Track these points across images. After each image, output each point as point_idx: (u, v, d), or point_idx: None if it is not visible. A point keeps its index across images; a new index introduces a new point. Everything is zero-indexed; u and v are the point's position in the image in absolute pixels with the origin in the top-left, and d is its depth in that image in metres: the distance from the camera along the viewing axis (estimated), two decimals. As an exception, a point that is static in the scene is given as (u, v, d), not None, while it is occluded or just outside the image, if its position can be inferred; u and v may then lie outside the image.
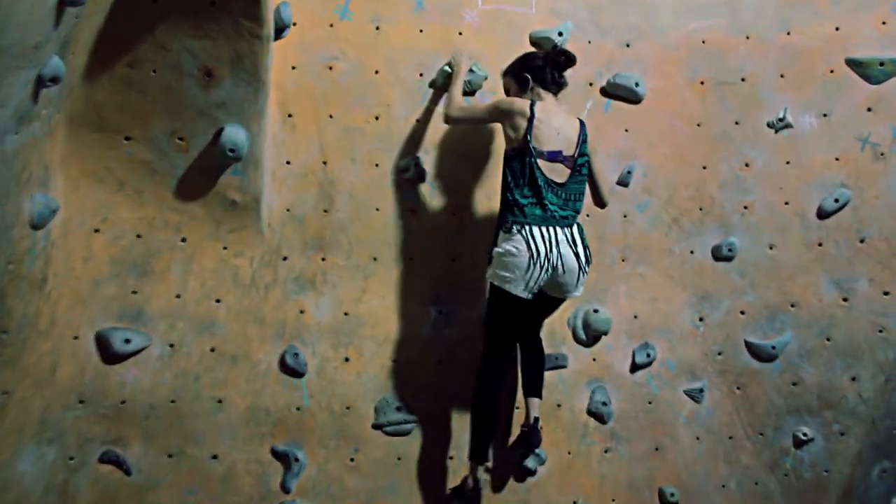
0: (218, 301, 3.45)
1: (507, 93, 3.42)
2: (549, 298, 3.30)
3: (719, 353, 3.81)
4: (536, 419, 3.39)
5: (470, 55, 3.65)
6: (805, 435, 3.70)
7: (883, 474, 3.72)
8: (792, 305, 3.75)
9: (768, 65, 3.79)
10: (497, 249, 3.18)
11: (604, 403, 3.67)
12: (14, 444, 3.04)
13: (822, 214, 3.72)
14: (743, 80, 3.81)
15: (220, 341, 3.42)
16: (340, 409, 3.49)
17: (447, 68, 3.62)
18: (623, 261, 3.84)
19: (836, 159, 3.71)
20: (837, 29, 3.70)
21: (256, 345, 3.47)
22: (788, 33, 3.77)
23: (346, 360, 3.54)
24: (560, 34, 3.74)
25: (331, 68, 3.60)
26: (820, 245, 3.73)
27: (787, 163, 3.77)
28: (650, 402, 3.75)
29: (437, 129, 3.67)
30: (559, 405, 3.67)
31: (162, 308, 3.37)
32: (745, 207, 3.81)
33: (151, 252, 3.38)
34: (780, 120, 3.76)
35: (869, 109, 3.66)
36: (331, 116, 3.60)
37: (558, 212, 3.19)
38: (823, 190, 3.73)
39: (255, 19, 3.04)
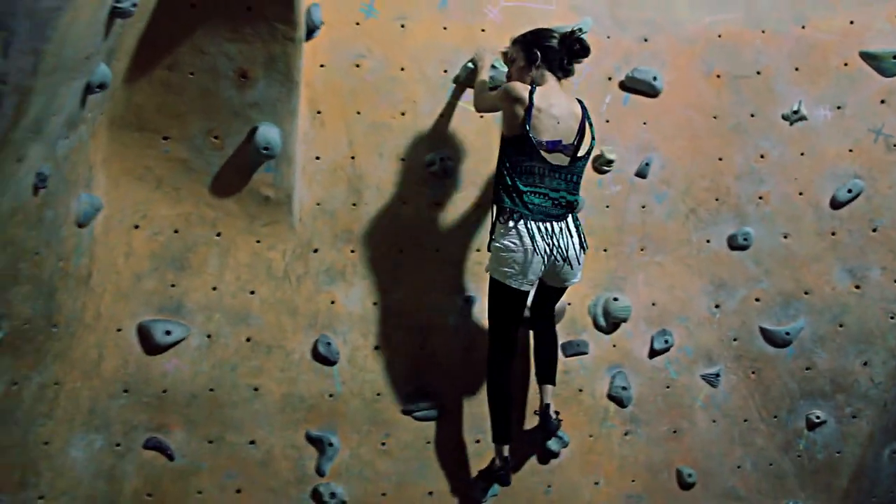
0: (252, 293, 3.58)
1: (511, 63, 3.38)
2: (550, 287, 3.43)
3: (735, 339, 3.94)
4: (548, 405, 3.52)
5: (492, 51, 3.74)
6: (818, 418, 3.84)
7: (893, 455, 3.88)
8: (805, 293, 3.87)
9: (783, 58, 3.88)
10: (496, 244, 3.26)
11: (623, 388, 3.81)
12: (66, 433, 3.20)
13: (836, 204, 3.83)
14: (758, 73, 3.91)
15: (256, 331, 3.56)
16: (371, 395, 3.64)
17: (470, 64, 3.71)
18: (642, 250, 3.96)
19: (850, 151, 3.81)
20: (851, 23, 3.79)
21: (290, 335, 3.60)
22: (803, 27, 3.86)
23: (376, 348, 3.68)
24: (580, 30, 3.82)
25: (358, 66, 3.70)
26: (833, 234, 3.84)
27: (802, 154, 3.87)
28: (668, 387, 3.89)
29: (461, 123, 3.78)
30: (580, 390, 3.81)
31: (199, 300, 3.51)
32: (760, 198, 3.92)
33: (188, 247, 3.51)
34: (795, 112, 3.86)
35: (882, 102, 3.77)
36: (358, 113, 3.70)
37: (559, 199, 3.24)
38: (837, 180, 3.83)
39: (289, 22, 3.14)
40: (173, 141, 3.38)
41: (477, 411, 3.68)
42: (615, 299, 3.86)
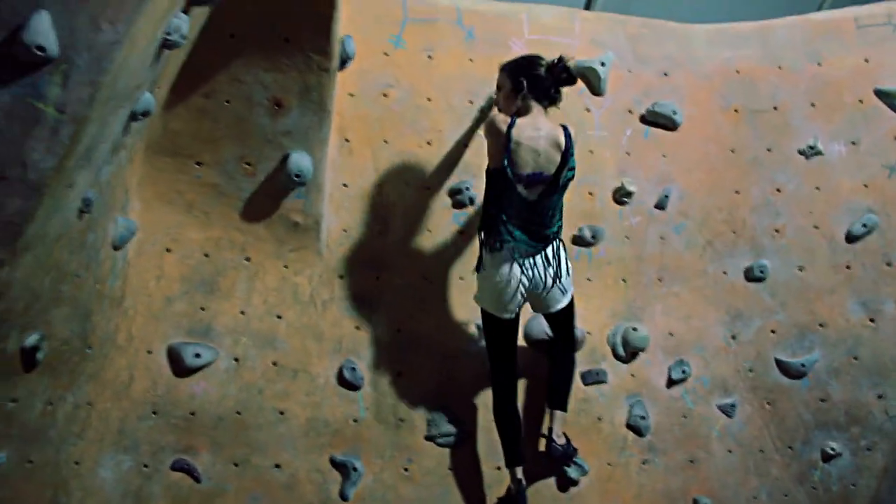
0: (279, 317, 3.63)
1: (499, 89, 3.41)
2: (550, 313, 3.52)
3: (750, 370, 4.00)
4: (550, 430, 3.59)
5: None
6: (833, 449, 3.89)
7: (906, 487, 3.91)
8: (820, 325, 3.94)
9: (799, 94, 3.98)
10: (480, 273, 3.39)
11: (642, 417, 3.86)
12: (96, 453, 3.24)
13: (850, 238, 3.91)
14: (775, 108, 4.00)
15: (282, 355, 3.61)
16: (394, 420, 3.68)
17: (491, 96, 3.80)
18: (660, 280, 4.03)
19: (865, 186, 3.90)
20: (866, 60, 3.90)
21: (315, 359, 3.65)
22: (819, 64, 3.96)
23: (399, 374, 3.73)
24: (602, 64, 3.93)
25: (386, 95, 3.78)
26: (848, 268, 3.92)
27: (817, 188, 3.96)
28: (685, 416, 3.94)
29: (483, 152, 3.85)
30: (599, 418, 3.86)
31: (228, 324, 3.56)
32: (776, 231, 4.00)
33: (218, 270, 3.57)
34: (811, 147, 3.95)
35: (896, 138, 3.86)
36: (385, 141, 3.78)
37: (536, 232, 3.31)
38: (851, 215, 3.92)
39: (325, 54, 3.23)
40: (206, 166, 3.44)
41: (496, 439, 3.70)
42: (634, 329, 3.92)
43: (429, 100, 3.81)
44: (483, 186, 3.43)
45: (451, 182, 3.82)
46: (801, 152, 3.97)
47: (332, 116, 3.45)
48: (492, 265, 3.33)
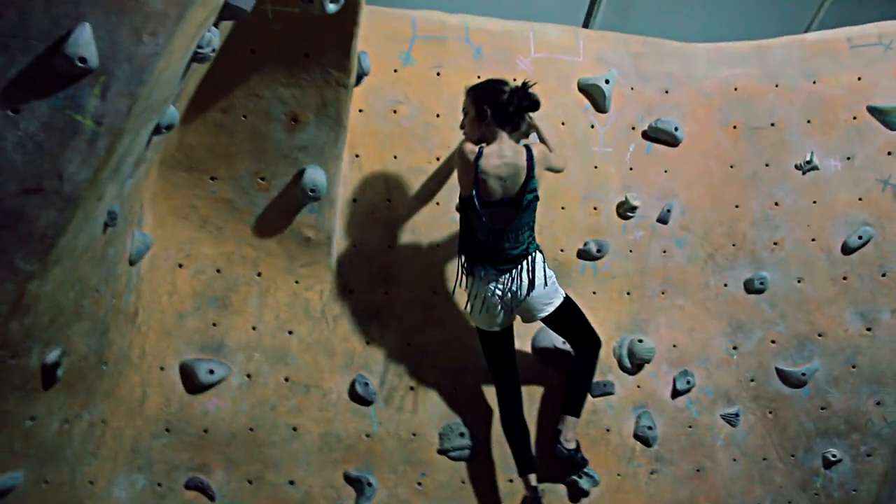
0: (291, 333, 3.62)
1: (465, 114, 3.44)
2: (544, 320, 3.57)
3: (752, 380, 4.08)
4: (558, 432, 3.64)
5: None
6: (834, 456, 3.97)
7: (905, 492, 4.01)
8: (819, 335, 4.03)
9: (795, 111, 4.10)
10: (468, 297, 3.49)
11: (649, 428, 3.91)
12: (110, 472, 3.18)
13: (847, 250, 4.02)
14: (772, 124, 4.12)
15: (294, 371, 3.59)
16: (407, 435, 3.67)
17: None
18: (663, 293, 4.10)
19: (860, 199, 4.02)
20: (859, 79, 4.03)
21: (327, 375, 3.64)
22: (814, 82, 4.09)
23: (411, 388, 3.73)
24: (607, 81, 4.01)
25: (395, 111, 3.81)
26: (845, 279, 4.02)
27: (814, 202, 4.07)
28: (690, 427, 4.00)
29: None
30: (608, 430, 3.90)
31: (240, 340, 3.53)
32: (775, 244, 4.10)
33: (230, 286, 3.55)
34: (808, 162, 4.07)
35: (889, 154, 3.99)
36: (395, 157, 3.81)
37: (506, 255, 3.38)
38: (848, 228, 4.03)
39: (344, 70, 3.25)
40: (220, 181, 3.44)
41: (508, 451, 3.72)
42: (640, 341, 3.97)
43: (438, 116, 3.85)
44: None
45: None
46: (797, 167, 4.08)
47: (346, 132, 3.47)
48: (471, 285, 3.47)
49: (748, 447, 4.03)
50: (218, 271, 3.53)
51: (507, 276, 3.41)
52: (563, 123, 4.02)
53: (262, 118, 3.32)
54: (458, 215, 3.80)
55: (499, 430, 3.73)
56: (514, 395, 3.60)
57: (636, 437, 3.92)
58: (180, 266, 3.46)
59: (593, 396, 3.89)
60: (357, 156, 3.75)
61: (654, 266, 4.10)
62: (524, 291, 3.42)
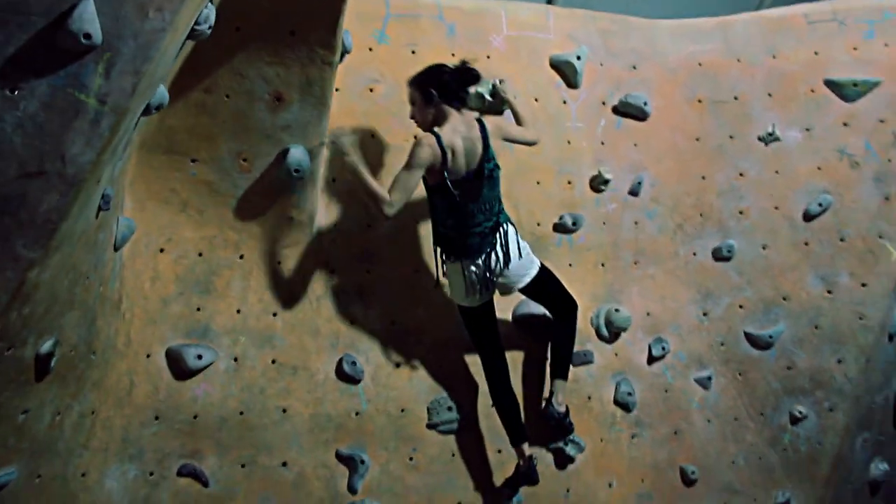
0: (275, 315, 3.59)
1: (412, 104, 3.47)
2: (524, 291, 3.65)
3: (722, 344, 4.24)
4: (551, 394, 3.73)
5: (500, 77, 3.91)
6: (800, 413, 4.17)
7: (864, 443, 4.26)
8: (784, 299, 4.22)
9: (757, 85, 4.25)
10: (446, 276, 3.60)
11: (629, 394, 4.03)
12: (101, 463, 3.10)
13: (808, 217, 4.21)
14: (735, 98, 4.26)
15: (280, 353, 3.56)
16: (396, 412, 3.69)
17: (480, 90, 3.86)
18: (635, 264, 4.22)
19: (819, 169, 4.20)
20: (816, 53, 4.20)
21: (314, 355, 3.62)
22: (774, 57, 4.25)
23: (397, 365, 3.75)
24: (578, 58, 4.08)
25: (371, 90, 3.80)
26: (806, 244, 4.21)
27: (776, 172, 4.24)
28: (666, 391, 4.14)
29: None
30: (589, 397, 4.00)
31: (225, 324, 3.48)
32: (741, 213, 4.26)
33: (212, 270, 3.48)
34: (770, 134, 4.23)
35: (845, 124, 4.18)
36: (372, 136, 3.79)
37: (483, 231, 3.45)
38: (808, 196, 4.21)
39: (329, 47, 3.21)
40: (201, 163, 3.36)
41: (496, 423, 3.79)
42: (616, 310, 4.08)
43: (413, 94, 3.84)
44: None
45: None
46: (760, 139, 4.24)
47: (329, 111, 3.43)
48: (451, 271, 3.55)
49: (720, 408, 4.20)
50: (200, 255, 3.46)
51: (485, 254, 3.46)
52: (536, 100, 4.07)
53: (245, 98, 3.25)
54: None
55: (485, 403, 3.79)
56: (501, 367, 3.66)
57: (616, 403, 4.04)
58: (162, 251, 3.38)
59: (574, 366, 3.97)
60: (335, 134, 3.72)
61: (626, 237, 4.21)
62: (501, 265, 3.48)
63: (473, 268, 3.47)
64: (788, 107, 4.23)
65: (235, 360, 3.47)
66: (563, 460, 3.87)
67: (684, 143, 4.27)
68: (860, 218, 4.16)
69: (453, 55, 3.90)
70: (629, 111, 4.19)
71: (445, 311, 3.84)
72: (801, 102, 4.22)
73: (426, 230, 3.84)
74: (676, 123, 4.26)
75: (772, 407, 4.21)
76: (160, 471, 3.27)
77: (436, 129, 3.34)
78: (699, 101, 4.27)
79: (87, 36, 2.09)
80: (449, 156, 3.30)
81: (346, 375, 3.63)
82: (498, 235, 3.50)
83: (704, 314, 4.26)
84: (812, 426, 4.19)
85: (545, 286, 3.69)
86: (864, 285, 4.14)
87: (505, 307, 3.90)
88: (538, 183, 4.05)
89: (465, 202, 3.38)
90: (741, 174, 4.26)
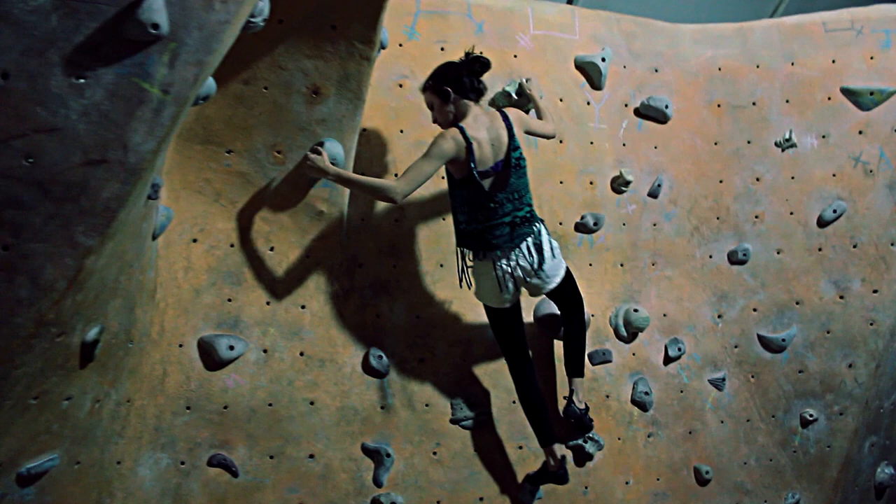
0: (303, 307, 3.61)
1: (431, 108, 3.47)
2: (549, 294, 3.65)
3: (736, 346, 4.31)
4: (570, 392, 3.77)
5: (526, 76, 3.97)
6: (810, 415, 4.25)
7: (871, 447, 4.35)
8: (797, 303, 4.29)
9: (775, 91, 4.32)
10: (475, 277, 3.53)
11: (646, 393, 4.09)
12: (135, 451, 3.12)
13: (822, 223, 4.28)
14: (753, 103, 4.33)
15: (308, 346, 3.58)
16: (420, 406, 3.73)
17: (507, 88, 3.91)
18: (653, 265, 4.28)
19: (833, 175, 4.28)
20: (833, 62, 4.27)
21: (341, 348, 3.65)
22: (792, 63, 4.31)
23: (422, 360, 3.78)
24: (603, 59, 4.13)
25: (401, 86, 3.82)
26: (820, 250, 4.29)
27: (792, 178, 4.31)
28: (682, 391, 4.21)
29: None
30: (608, 396, 4.05)
31: (255, 315, 3.50)
32: (756, 217, 4.33)
33: (243, 261, 3.50)
34: (787, 140, 4.30)
35: (860, 132, 4.25)
36: (401, 131, 3.82)
37: (513, 221, 3.40)
38: (823, 202, 4.29)
39: (369, 42, 3.24)
40: (236, 154, 3.37)
41: (517, 418, 3.83)
42: (635, 310, 4.14)
43: (442, 91, 3.87)
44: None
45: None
46: (777, 144, 4.31)
47: (364, 105, 3.45)
48: (481, 270, 3.48)
49: (733, 409, 4.27)
50: (231, 246, 3.47)
51: (518, 251, 3.45)
52: (560, 100, 4.12)
53: (283, 90, 3.27)
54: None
55: (507, 399, 3.84)
56: (528, 368, 3.66)
57: (633, 402, 4.10)
58: (195, 241, 3.39)
59: (593, 365, 4.04)
60: (364, 130, 3.74)
61: (644, 238, 4.27)
62: (536, 265, 3.46)
63: (504, 264, 3.43)
64: (805, 113, 4.30)
65: (265, 351, 3.49)
66: (582, 458, 3.92)
67: (703, 147, 4.33)
68: (873, 225, 4.23)
69: (481, 53, 3.93)
70: (650, 113, 4.25)
71: (468, 308, 3.88)
72: (817, 109, 4.29)
73: (450, 227, 3.86)
74: (696, 127, 4.32)
75: (783, 409, 4.29)
76: (191, 460, 3.28)
77: (459, 123, 3.34)
78: (718, 105, 4.33)
79: (155, 26, 2.11)
80: (474, 146, 3.29)
81: (373, 369, 3.66)
82: (532, 235, 3.46)
83: (719, 316, 4.33)
84: (822, 429, 4.27)
85: (567, 288, 3.71)
86: (875, 291, 4.22)
87: (525, 306, 3.93)
88: (561, 182, 4.10)
89: (494, 192, 3.36)
90: (757, 179, 4.33)
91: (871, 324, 4.22)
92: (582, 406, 3.79)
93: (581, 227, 4.13)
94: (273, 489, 3.41)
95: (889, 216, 4.22)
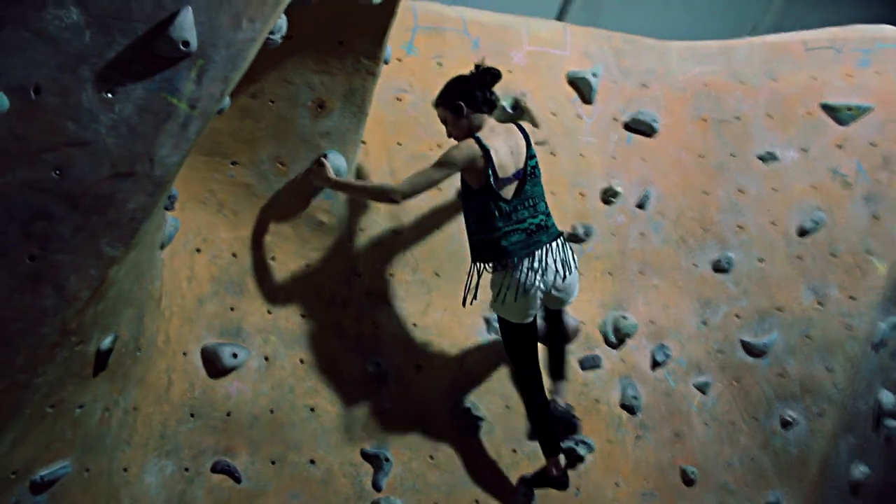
0: (303, 316, 3.67)
1: (445, 123, 3.48)
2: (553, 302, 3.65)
3: (720, 352, 4.46)
4: (554, 394, 3.83)
5: (518, 91, 4.08)
6: (791, 418, 4.41)
7: (848, 447, 4.51)
8: (778, 309, 4.46)
9: (758, 106, 4.49)
10: (495, 290, 3.43)
11: (634, 397, 4.21)
12: (141, 459, 3.15)
13: (802, 233, 4.45)
14: (737, 118, 4.49)
15: (308, 353, 3.65)
16: (418, 412, 3.81)
17: (503, 103, 4.01)
18: (641, 273, 4.41)
19: (813, 187, 4.46)
20: (814, 79, 4.45)
21: (340, 356, 3.71)
22: (774, 80, 4.49)
23: (419, 367, 3.86)
24: (594, 75, 4.26)
25: (399, 99, 3.91)
26: (800, 259, 4.46)
27: (774, 190, 4.48)
28: (668, 395, 4.34)
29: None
30: (597, 400, 4.17)
31: (256, 323, 3.55)
32: (740, 227, 4.49)
33: (245, 270, 3.55)
34: (769, 153, 4.47)
35: (839, 146, 4.43)
36: (399, 144, 3.90)
37: (528, 228, 3.38)
38: (803, 213, 4.46)
39: (374, 58, 3.33)
40: (240, 166, 3.43)
41: (511, 423, 3.93)
42: (624, 318, 4.27)
43: (439, 104, 3.97)
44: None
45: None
46: (760, 158, 4.48)
47: (366, 119, 3.53)
48: (504, 283, 3.38)
49: (717, 412, 4.41)
50: (234, 256, 3.53)
51: (546, 260, 3.38)
52: (553, 114, 4.23)
53: (289, 103, 3.34)
54: (459, 201, 3.98)
55: (501, 404, 3.94)
56: (539, 379, 3.66)
57: (622, 406, 4.22)
58: (198, 251, 3.44)
59: (583, 370, 4.16)
60: (364, 142, 3.82)
61: (632, 248, 4.40)
62: (562, 275, 3.45)
63: (531, 276, 3.35)
64: (787, 128, 4.47)
65: (266, 359, 3.55)
66: (573, 460, 4.02)
67: (689, 160, 4.48)
68: (850, 235, 4.41)
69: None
70: (639, 127, 4.38)
71: (463, 315, 3.97)
72: (798, 124, 4.46)
73: (448, 235, 3.97)
74: (682, 141, 4.47)
75: (764, 412, 4.44)
76: (196, 467, 3.32)
77: (475, 134, 3.36)
78: (704, 119, 4.48)
79: (186, 44, 2.17)
80: (493, 153, 3.27)
81: (371, 375, 3.74)
82: (556, 244, 3.45)
83: (704, 323, 4.47)
84: (801, 430, 4.43)
85: None
86: (852, 298, 4.40)
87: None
88: (553, 193, 4.18)
89: (511, 199, 3.34)
90: (741, 191, 4.48)
91: (848, 329, 4.40)
92: (566, 405, 3.89)
93: (572, 238, 4.24)
94: (275, 494, 3.46)
95: (865, 226, 4.41)
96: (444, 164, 3.29)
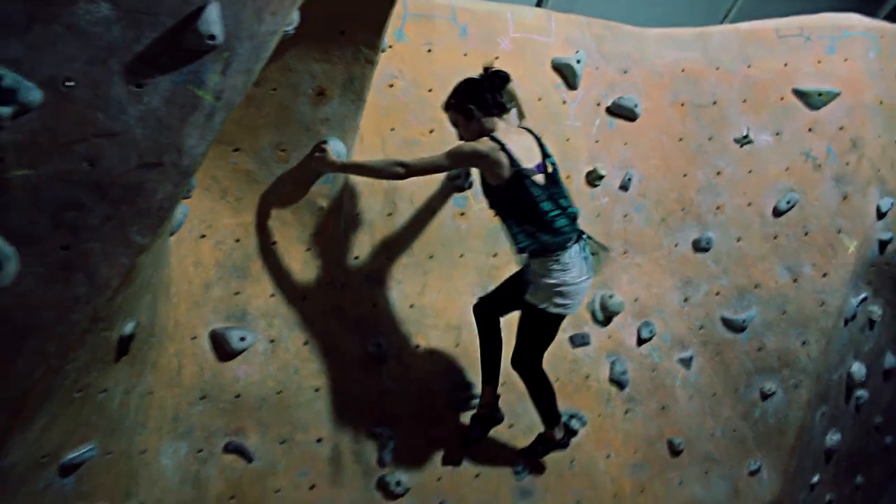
0: (305, 299, 3.76)
1: (456, 126, 3.52)
2: None
3: (701, 327, 4.66)
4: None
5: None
6: (769, 389, 4.63)
7: (822, 416, 4.76)
8: (756, 287, 4.67)
9: (733, 91, 4.67)
10: (548, 281, 3.38)
11: (622, 373, 4.39)
12: (157, 441, 3.23)
13: (777, 213, 4.66)
14: (714, 103, 4.67)
15: (311, 335, 3.74)
16: (417, 390, 3.93)
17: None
18: (625, 253, 4.58)
19: (787, 169, 4.66)
20: (786, 65, 4.64)
21: (340, 337, 3.82)
22: (748, 66, 4.67)
23: (417, 346, 3.99)
24: (578, 61, 4.39)
25: (391, 86, 4.00)
26: (775, 238, 4.67)
27: (750, 172, 4.67)
28: (654, 370, 4.53)
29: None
30: (587, 377, 4.34)
31: (261, 307, 3.64)
32: (718, 208, 4.68)
33: (248, 255, 3.63)
34: (744, 137, 4.65)
35: (810, 130, 4.64)
36: (392, 129, 4.00)
37: (568, 213, 3.45)
38: (777, 194, 4.66)
39: (373, 47, 3.41)
40: (242, 153, 3.50)
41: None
42: (611, 296, 4.43)
43: (430, 91, 4.06)
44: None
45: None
46: (736, 141, 4.67)
47: (364, 105, 3.62)
48: (559, 271, 3.36)
49: (700, 386, 4.62)
50: (237, 241, 3.60)
51: (585, 248, 3.43)
52: (539, 99, 4.36)
53: (290, 92, 3.41)
54: (450, 184, 4.10)
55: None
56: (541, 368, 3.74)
57: (611, 381, 4.39)
58: (203, 237, 3.50)
59: (573, 347, 4.32)
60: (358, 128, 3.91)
61: (616, 229, 4.56)
62: (587, 277, 3.47)
63: (583, 264, 3.40)
64: (761, 112, 4.66)
65: (272, 341, 3.64)
66: (568, 434, 4.19)
67: (669, 143, 4.65)
68: (822, 214, 4.63)
69: (465, 55, 4.15)
70: (621, 112, 4.54)
71: (457, 296, 4.11)
72: (771, 109, 4.65)
73: (440, 220, 4.09)
74: (662, 125, 4.64)
75: (744, 384, 4.66)
76: (208, 447, 3.41)
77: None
78: (682, 104, 4.65)
79: (212, 37, 2.25)
80: (510, 146, 3.30)
81: (372, 356, 3.85)
82: (584, 238, 3.48)
83: (685, 300, 4.66)
84: (779, 401, 4.65)
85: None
86: (824, 275, 4.63)
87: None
88: (541, 177, 4.34)
89: (544, 187, 3.37)
90: (718, 173, 4.67)
91: (821, 304, 4.63)
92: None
93: (560, 219, 4.38)
94: (285, 473, 3.57)
95: (836, 206, 4.62)
96: (452, 154, 3.36)
